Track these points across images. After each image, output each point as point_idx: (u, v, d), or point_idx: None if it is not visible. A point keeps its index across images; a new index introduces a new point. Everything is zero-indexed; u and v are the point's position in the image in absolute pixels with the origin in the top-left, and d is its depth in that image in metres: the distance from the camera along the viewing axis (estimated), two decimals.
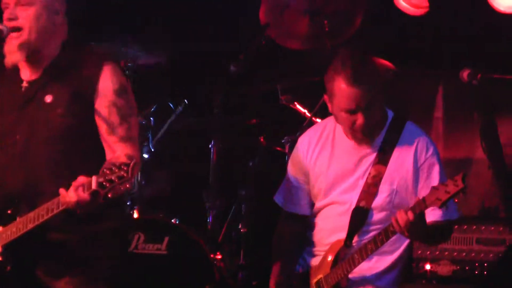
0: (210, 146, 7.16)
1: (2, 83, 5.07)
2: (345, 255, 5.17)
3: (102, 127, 5.02)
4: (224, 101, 7.21)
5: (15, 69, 4.97)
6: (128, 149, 5.01)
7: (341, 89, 5.00)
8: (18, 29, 4.87)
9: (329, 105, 5.16)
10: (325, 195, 5.33)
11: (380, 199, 5.18)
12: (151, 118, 7.10)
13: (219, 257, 6.67)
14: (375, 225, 5.17)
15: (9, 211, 5.04)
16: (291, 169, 5.52)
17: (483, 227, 6.32)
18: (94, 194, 4.68)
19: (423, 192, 4.98)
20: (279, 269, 5.40)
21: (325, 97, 5.17)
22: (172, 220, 6.70)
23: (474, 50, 7.06)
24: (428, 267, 6.19)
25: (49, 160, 5.01)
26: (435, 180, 5.05)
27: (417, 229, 4.76)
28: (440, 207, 4.73)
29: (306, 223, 5.43)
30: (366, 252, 5.04)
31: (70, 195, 4.59)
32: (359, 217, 5.24)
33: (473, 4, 7.28)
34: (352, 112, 5.03)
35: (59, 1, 5.01)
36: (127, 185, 4.66)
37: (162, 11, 7.99)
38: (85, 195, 4.60)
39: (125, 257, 5.99)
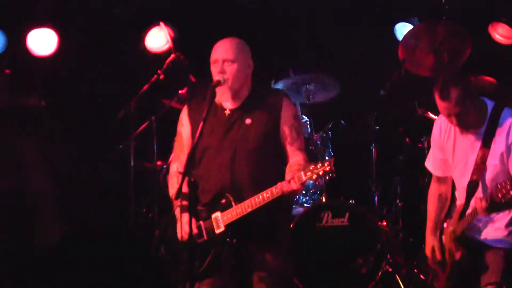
0: (371, 147, 8.17)
1: (210, 112, 5.74)
2: (463, 215, 5.84)
3: (286, 140, 5.88)
4: (377, 117, 8.08)
5: (216, 102, 5.82)
6: (303, 155, 5.87)
7: (437, 102, 5.70)
8: (226, 80, 5.81)
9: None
10: (454, 167, 5.99)
11: (487, 174, 5.78)
12: (329, 132, 8.24)
13: (384, 223, 7.74)
14: (487, 190, 5.76)
15: (223, 201, 5.82)
16: (433, 144, 6.08)
17: None
18: (303, 184, 5.61)
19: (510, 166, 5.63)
20: (432, 223, 6.12)
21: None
22: (350, 201, 7.80)
23: None
24: None
25: (248, 164, 5.81)
26: None
27: None
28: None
29: (449, 182, 6.11)
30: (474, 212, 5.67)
31: (287, 186, 5.56)
32: (472, 188, 5.85)
33: None
34: (448, 116, 5.73)
35: (251, 59, 5.86)
36: (327, 177, 6.04)
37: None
38: (297, 185, 5.55)
39: (318, 230, 7.56)
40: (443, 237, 6.03)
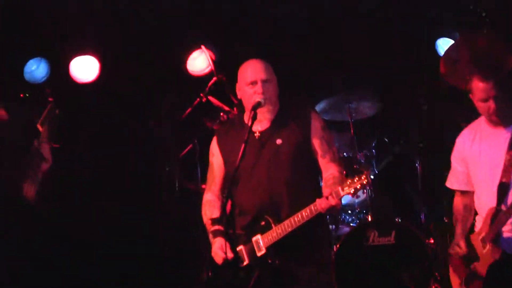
0: (416, 164, 8.15)
1: (240, 137, 5.84)
2: (496, 217, 5.85)
3: (317, 153, 5.93)
4: (420, 132, 8.14)
5: (251, 126, 5.83)
6: (337, 167, 5.94)
7: (475, 87, 5.89)
8: (266, 100, 5.87)
9: (474, 102, 5.96)
10: (478, 172, 6.05)
11: None
12: (373, 150, 8.25)
13: (432, 241, 7.68)
14: None
15: (262, 223, 5.86)
16: (454, 160, 6.18)
17: None
18: (340, 199, 5.64)
19: None
20: (460, 230, 6.18)
21: (470, 96, 5.97)
22: (396, 219, 7.74)
23: None
24: None
25: (285, 181, 5.85)
26: None
27: None
28: None
29: (472, 196, 6.16)
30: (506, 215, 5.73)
31: (325, 202, 5.59)
32: (503, 190, 5.87)
33: None
34: (485, 101, 5.85)
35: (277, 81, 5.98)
36: (364, 191, 5.97)
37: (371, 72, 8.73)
38: (336, 201, 5.58)
39: (365, 249, 7.52)
40: (472, 241, 6.03)
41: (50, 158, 6.19)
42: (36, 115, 6.38)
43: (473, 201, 6.16)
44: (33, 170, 6.03)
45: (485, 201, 5.94)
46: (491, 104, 5.83)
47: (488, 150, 5.98)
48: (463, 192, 6.20)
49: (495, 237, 5.85)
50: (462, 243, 6.06)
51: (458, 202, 6.26)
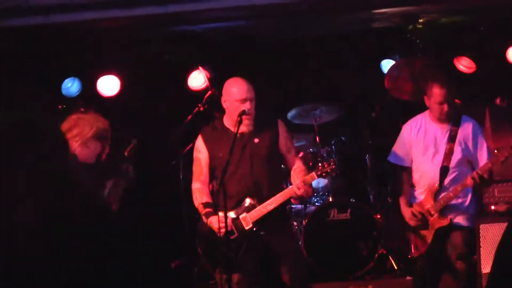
0: (366, 157, 8.45)
1: (225, 137, 6.04)
2: (440, 193, 6.21)
3: (283, 149, 6.21)
4: (370, 133, 8.41)
5: (227, 128, 6.05)
6: (300, 161, 6.23)
7: (435, 92, 6.19)
8: (249, 113, 6.07)
9: (427, 103, 6.31)
10: (422, 155, 6.34)
11: (455, 158, 6.25)
12: (333, 147, 8.33)
13: (379, 216, 7.94)
14: (453, 174, 6.23)
15: (247, 204, 6.01)
16: (401, 140, 6.46)
17: None
18: (312, 186, 6.10)
19: (480, 155, 6.20)
20: (404, 199, 6.42)
21: (426, 98, 6.32)
22: (351, 199, 8.04)
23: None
24: (492, 207, 7.15)
25: (263, 169, 6.10)
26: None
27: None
28: None
29: (410, 172, 6.43)
30: (455, 192, 6.13)
31: (300, 187, 5.90)
32: (444, 172, 6.25)
33: None
34: (440, 104, 6.21)
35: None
36: (333, 174, 5.83)
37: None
38: (307, 187, 5.92)
39: (328, 224, 7.81)
40: (416, 207, 6.32)
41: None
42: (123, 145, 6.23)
43: (411, 177, 6.46)
44: (119, 188, 5.84)
45: (428, 179, 6.32)
46: (445, 107, 6.23)
47: (433, 140, 6.33)
48: (403, 168, 6.50)
49: (441, 209, 6.22)
50: (416, 212, 6.28)
51: (401, 176, 6.50)
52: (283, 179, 6.50)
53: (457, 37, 8.23)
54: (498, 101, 7.66)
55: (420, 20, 8.22)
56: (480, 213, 6.70)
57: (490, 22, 8.10)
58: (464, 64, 8.21)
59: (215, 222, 5.96)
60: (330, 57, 8.94)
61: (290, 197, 6.05)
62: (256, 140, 6.14)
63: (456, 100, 7.31)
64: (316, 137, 8.51)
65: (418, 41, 8.30)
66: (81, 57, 8.30)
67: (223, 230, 5.82)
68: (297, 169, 6.19)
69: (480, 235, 6.50)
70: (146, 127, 8.63)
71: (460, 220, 6.30)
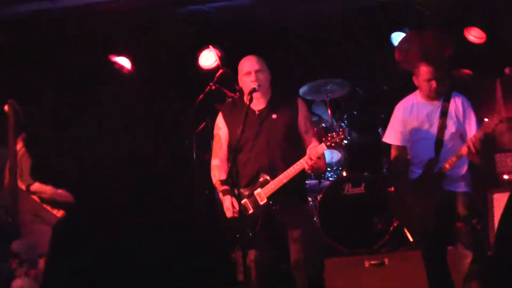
0: (379, 131, 8.30)
1: (239, 114, 6.08)
2: (436, 165, 6.35)
3: (302, 130, 6.20)
4: (382, 107, 8.32)
5: (248, 106, 6.06)
6: (317, 141, 6.14)
7: (423, 70, 6.33)
8: (260, 86, 6.13)
9: (416, 82, 6.45)
10: (417, 132, 6.48)
11: (448, 132, 6.39)
12: (345, 121, 8.39)
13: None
14: (448, 146, 6.37)
15: (261, 179, 6.09)
16: (395, 120, 6.56)
17: None
18: (325, 159, 6.24)
19: (468, 127, 6.32)
20: (404, 180, 6.55)
21: (414, 78, 6.44)
22: (365, 173, 8.05)
23: None
24: (505, 176, 7.33)
25: (279, 148, 6.11)
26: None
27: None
28: None
29: (406, 150, 6.56)
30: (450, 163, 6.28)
31: (311, 158, 5.92)
32: (439, 144, 6.39)
33: None
34: (428, 80, 6.35)
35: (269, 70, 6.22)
36: (343, 143, 5.81)
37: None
38: (316, 158, 5.91)
39: (342, 198, 7.83)
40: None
41: None
42: None
43: (406, 155, 6.61)
44: None
45: (424, 153, 6.48)
46: (433, 83, 6.38)
47: (426, 117, 6.50)
48: (399, 147, 6.62)
49: (439, 180, 6.37)
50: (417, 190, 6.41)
51: (398, 156, 6.64)
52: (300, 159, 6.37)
53: (467, 7, 8.22)
54: (507, 70, 7.63)
55: None
56: (492, 182, 6.97)
57: None
58: (474, 35, 8.22)
59: (228, 202, 6.04)
60: (340, 32, 8.92)
61: (302, 170, 6.01)
62: (274, 116, 6.16)
63: (467, 71, 7.71)
64: (328, 111, 8.57)
65: (427, 12, 8.29)
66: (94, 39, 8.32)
67: (233, 211, 5.94)
68: (311, 146, 6.21)
69: (494, 204, 6.78)
70: (161, 104, 8.73)
71: (458, 187, 6.43)
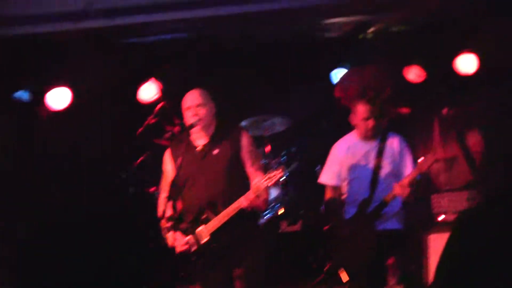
0: (316, 169, 8.20)
1: (183, 150, 5.99)
2: (371, 205, 6.36)
3: (246, 164, 6.12)
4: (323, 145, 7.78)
5: (188, 141, 6.05)
6: (262, 175, 5.95)
7: (360, 109, 6.37)
8: (199, 121, 6.00)
9: (353, 121, 6.47)
10: (353, 172, 6.52)
11: (383, 172, 6.45)
12: (284, 157, 8.48)
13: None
14: (383, 186, 6.38)
15: (203, 216, 5.99)
16: (332, 161, 6.61)
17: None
18: (264, 197, 5.89)
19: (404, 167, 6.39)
20: (337, 215, 6.52)
21: (352, 116, 6.47)
22: (301, 211, 7.97)
23: None
24: (441, 217, 7.21)
25: (220, 184, 6.01)
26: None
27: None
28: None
29: (340, 190, 6.58)
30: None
31: (250, 196, 5.80)
32: (374, 184, 6.43)
33: None
34: (366, 119, 6.39)
35: (213, 103, 6.06)
36: (281, 181, 5.75)
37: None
38: (256, 196, 5.79)
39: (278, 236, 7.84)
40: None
41: None
42: None
43: (341, 195, 6.62)
44: None
45: (359, 192, 6.50)
46: (370, 122, 6.40)
47: (362, 157, 6.49)
48: (335, 187, 6.66)
49: (373, 219, 6.39)
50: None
51: (332, 197, 6.66)
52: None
53: (408, 46, 8.19)
54: (445, 111, 7.73)
55: (371, 29, 8.20)
56: (428, 223, 6.92)
57: (440, 31, 8.03)
58: (414, 73, 8.20)
59: (171, 239, 6.02)
60: (280, 67, 8.87)
61: (240, 209, 5.92)
62: (216, 152, 6.11)
63: (405, 109, 7.72)
64: (266, 148, 8.55)
65: (369, 50, 8.28)
66: (31, 69, 8.11)
67: (178, 247, 5.94)
68: (254, 182, 6.07)
69: (429, 245, 6.68)
70: (98, 137, 8.53)
71: (390, 225, 6.45)
